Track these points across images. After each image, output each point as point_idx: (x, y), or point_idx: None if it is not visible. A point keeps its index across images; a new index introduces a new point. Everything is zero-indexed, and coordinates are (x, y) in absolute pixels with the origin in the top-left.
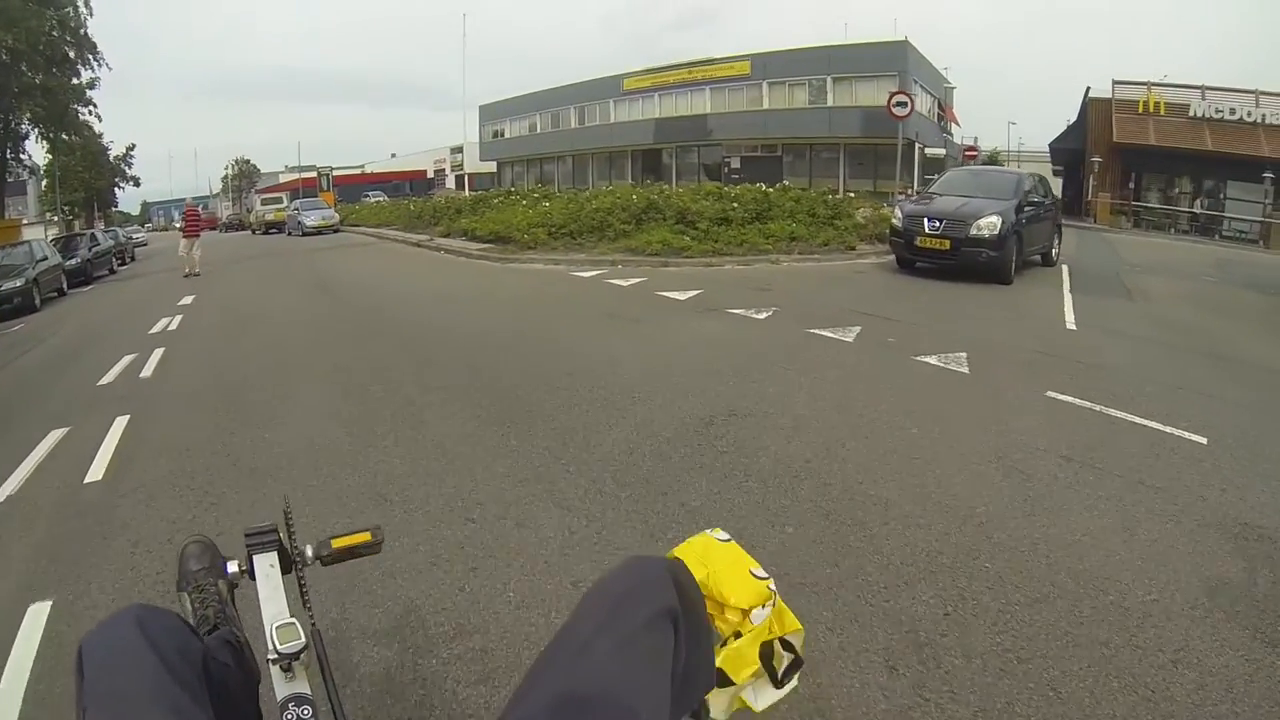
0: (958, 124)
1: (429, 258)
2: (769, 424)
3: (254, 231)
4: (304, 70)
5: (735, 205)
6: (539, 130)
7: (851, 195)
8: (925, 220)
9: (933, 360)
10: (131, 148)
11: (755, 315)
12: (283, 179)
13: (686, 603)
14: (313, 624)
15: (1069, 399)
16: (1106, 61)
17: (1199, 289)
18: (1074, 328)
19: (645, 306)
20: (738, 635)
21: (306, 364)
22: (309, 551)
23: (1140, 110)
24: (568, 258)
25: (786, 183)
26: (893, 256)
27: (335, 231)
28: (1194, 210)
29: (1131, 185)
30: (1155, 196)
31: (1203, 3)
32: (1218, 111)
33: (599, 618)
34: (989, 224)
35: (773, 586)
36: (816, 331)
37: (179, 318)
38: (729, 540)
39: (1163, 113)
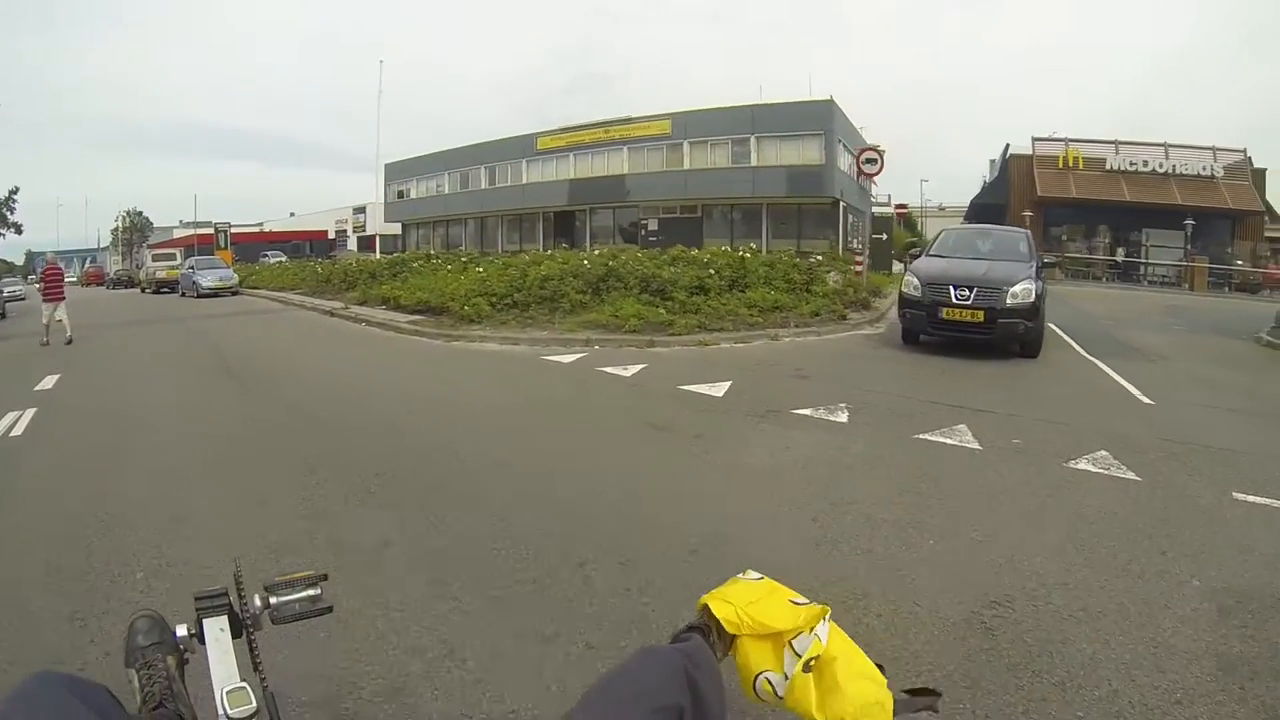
0: (875, 183)
1: (351, 331)
2: (1057, 615)
3: (144, 290)
4: (203, 124)
5: (712, 272)
6: (446, 191)
7: (819, 258)
8: (952, 289)
9: (1086, 465)
10: (14, 191)
11: (832, 418)
12: (177, 234)
13: (698, 692)
14: (265, 687)
15: (1264, 500)
16: (1003, 120)
17: (1188, 340)
18: (1149, 401)
19: (681, 409)
20: (807, 669)
21: (221, 537)
22: (259, 610)
23: (1060, 165)
24: (526, 335)
25: (734, 247)
26: (883, 327)
27: (234, 294)
28: (1115, 259)
29: (1062, 238)
30: (1076, 247)
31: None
32: (1132, 164)
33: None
34: (1024, 290)
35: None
36: (926, 437)
37: (28, 416)
38: (761, 578)
39: (1081, 167)
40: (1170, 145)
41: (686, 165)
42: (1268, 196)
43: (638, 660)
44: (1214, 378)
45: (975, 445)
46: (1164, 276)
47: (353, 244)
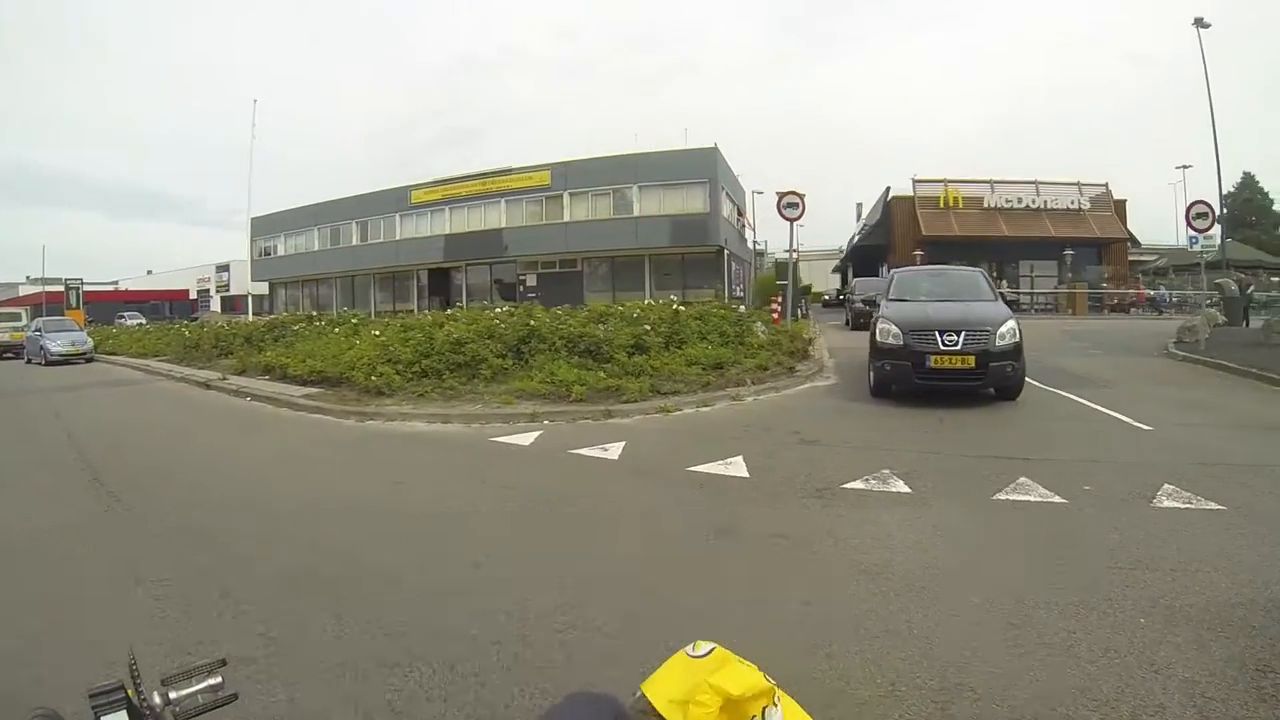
0: (753, 229)
1: (235, 408)
2: None
3: None
4: (43, 167)
5: (648, 328)
6: (315, 247)
7: (742, 308)
8: (938, 334)
9: (1172, 503)
10: None
11: (890, 488)
12: (23, 291)
13: None
14: None
15: None
16: (861, 169)
17: (1113, 362)
18: (1147, 427)
19: (721, 502)
20: None
21: None
22: (160, 707)
23: (941, 205)
24: (456, 410)
25: (615, 300)
26: (833, 377)
27: (88, 360)
28: (1002, 291)
29: None
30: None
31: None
32: (1008, 201)
33: None
34: (1010, 330)
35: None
36: (1004, 497)
37: None
38: (710, 651)
39: (961, 206)
40: (1040, 182)
41: (566, 217)
42: (1128, 225)
43: (570, 709)
44: (1173, 396)
45: (1057, 499)
46: (1045, 303)
47: (216, 304)
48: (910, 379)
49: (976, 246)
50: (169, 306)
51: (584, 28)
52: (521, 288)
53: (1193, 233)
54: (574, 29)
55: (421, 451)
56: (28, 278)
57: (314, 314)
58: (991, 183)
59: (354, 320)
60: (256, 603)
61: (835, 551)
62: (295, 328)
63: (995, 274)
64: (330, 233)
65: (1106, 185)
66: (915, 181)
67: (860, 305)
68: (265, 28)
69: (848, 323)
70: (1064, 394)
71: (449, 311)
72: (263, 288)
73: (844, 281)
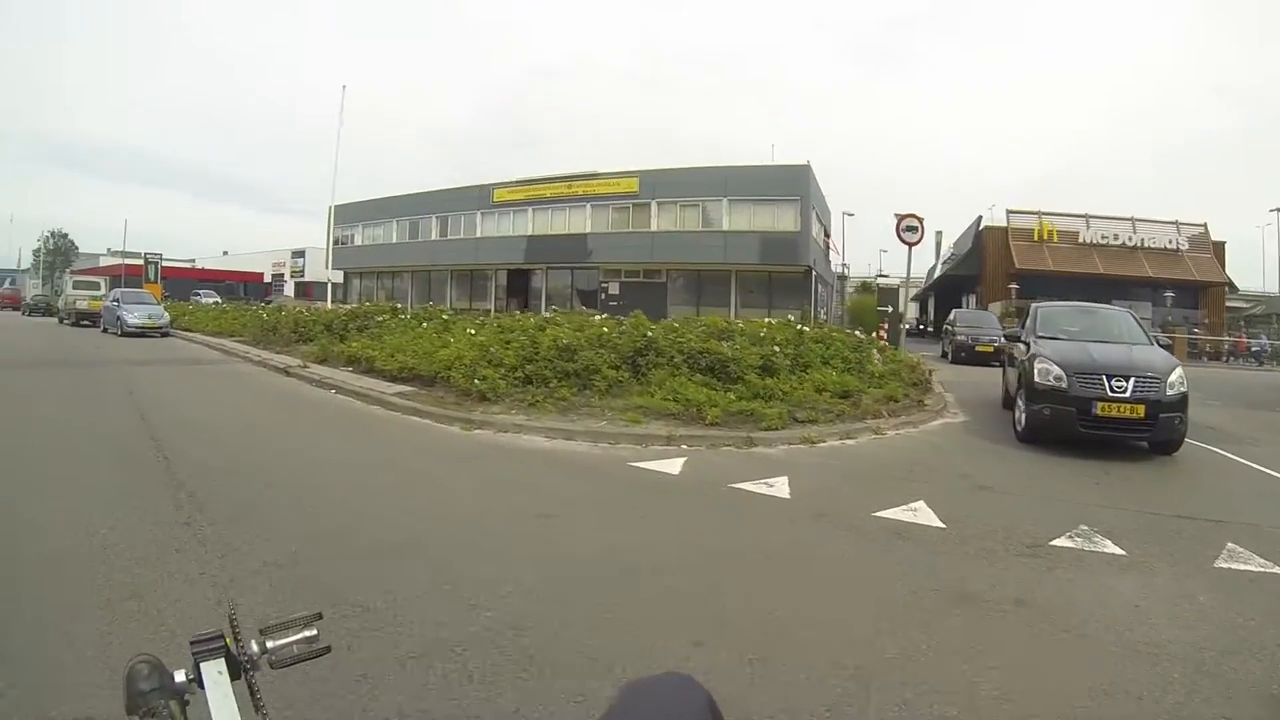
0: (838, 251)
1: (321, 401)
2: None
3: (62, 320)
4: (133, 148)
5: (776, 349)
6: (394, 239)
7: (857, 333)
8: (1106, 379)
9: None
10: None
11: (1102, 548)
12: (104, 263)
13: None
14: None
15: None
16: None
17: (1238, 416)
18: None
19: (931, 557)
20: None
21: None
22: (256, 655)
23: (1035, 238)
24: (576, 425)
25: (699, 314)
26: (962, 413)
27: (163, 335)
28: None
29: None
30: None
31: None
32: (1103, 237)
33: None
34: (1179, 380)
35: None
36: (1231, 566)
37: None
38: None
39: (1055, 240)
40: (1137, 219)
41: (654, 226)
42: (1227, 269)
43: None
44: None
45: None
46: None
47: (289, 289)
48: (1073, 427)
49: (1066, 283)
50: (243, 288)
51: (657, 43)
52: (603, 295)
53: None
54: (647, 45)
55: (554, 475)
56: (109, 249)
57: (397, 305)
58: (1087, 217)
59: (444, 316)
60: None
61: (1094, 626)
62: (379, 319)
63: None
64: (409, 226)
65: (1205, 226)
66: (1009, 213)
67: (963, 339)
68: (342, 19)
69: (945, 355)
70: (1214, 449)
71: (548, 314)
72: (338, 276)
73: (922, 311)
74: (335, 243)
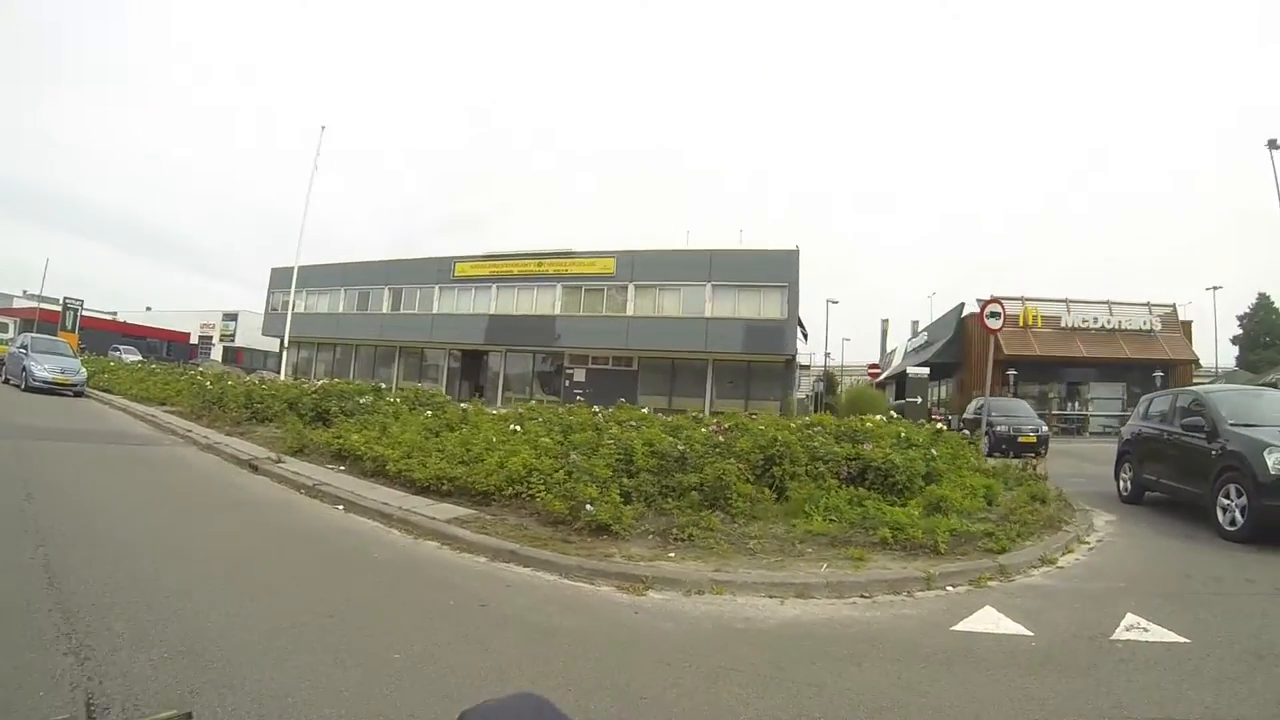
0: (805, 338)
1: (336, 528)
2: None
3: None
4: (55, 189)
5: (934, 453)
6: (340, 309)
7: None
8: None
9: None
10: None
11: None
12: (18, 304)
13: None
14: None
15: None
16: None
17: None
18: None
19: None
20: None
21: None
22: None
23: (1021, 324)
24: (778, 574)
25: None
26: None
27: (77, 394)
28: (1066, 412)
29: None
30: (1030, 403)
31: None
32: (1084, 321)
33: None
34: None
35: None
36: None
37: None
38: None
39: (1040, 325)
40: (1114, 302)
41: (630, 311)
42: (1193, 346)
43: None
44: None
45: None
46: (1107, 428)
47: (217, 353)
48: None
49: (1049, 366)
50: (167, 347)
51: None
52: (568, 382)
53: None
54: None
55: (877, 674)
56: (24, 292)
57: (381, 385)
58: (1067, 302)
59: (464, 406)
60: None
61: None
62: (362, 400)
63: (1065, 396)
64: (359, 296)
65: (1174, 306)
66: (980, 301)
67: (1003, 430)
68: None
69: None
70: None
71: (612, 409)
72: (271, 344)
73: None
74: (275, 309)
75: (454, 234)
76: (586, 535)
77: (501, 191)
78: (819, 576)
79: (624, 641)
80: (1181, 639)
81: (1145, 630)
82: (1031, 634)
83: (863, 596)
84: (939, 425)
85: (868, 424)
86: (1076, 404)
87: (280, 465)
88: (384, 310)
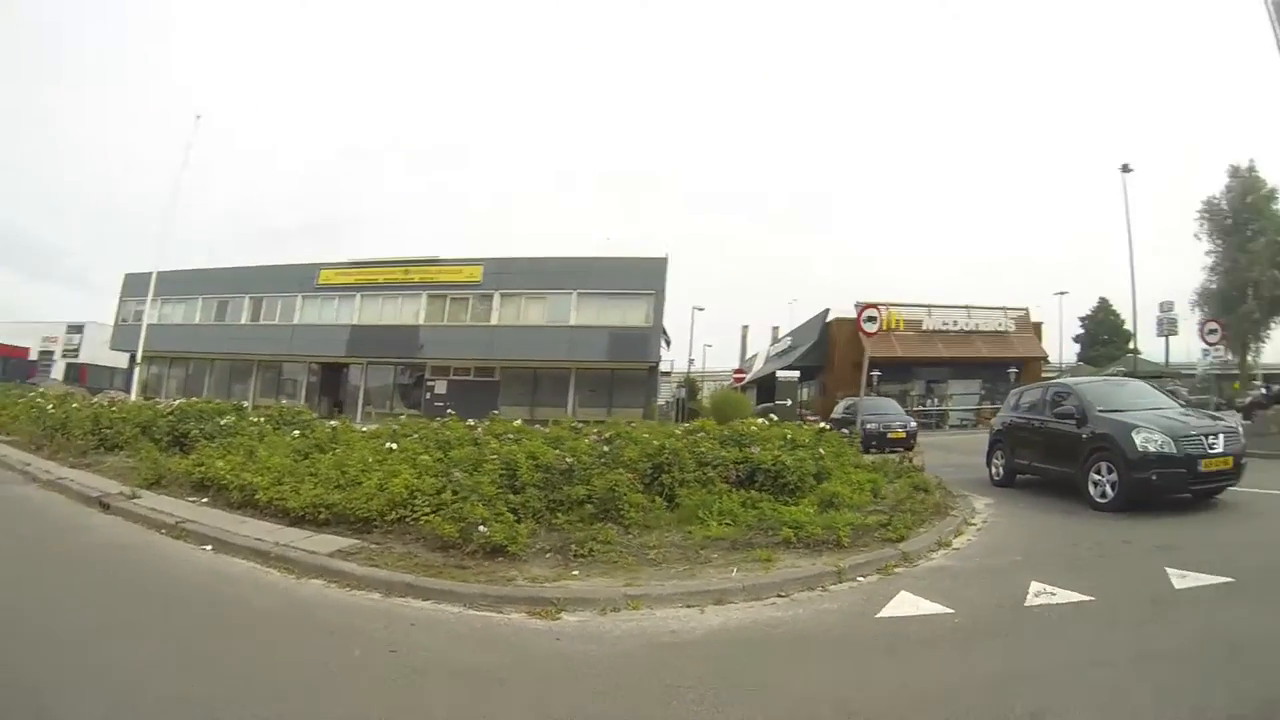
0: (668, 344)
1: (207, 578)
2: None
3: None
4: None
5: (821, 452)
6: (197, 320)
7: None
8: (1206, 437)
9: None
10: None
11: None
12: None
13: None
14: None
15: None
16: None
17: None
18: None
19: None
20: None
21: None
22: None
23: (884, 327)
24: (695, 583)
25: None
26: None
27: None
28: (926, 408)
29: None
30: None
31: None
32: (944, 324)
33: None
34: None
35: None
36: None
37: None
38: None
39: (902, 328)
40: (972, 306)
41: (494, 320)
42: (1044, 345)
43: None
44: None
45: None
46: (964, 420)
47: (58, 370)
48: (1184, 485)
49: (909, 367)
50: (2, 365)
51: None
52: (428, 394)
53: (1205, 346)
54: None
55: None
56: None
57: (243, 404)
58: (929, 307)
59: (330, 424)
60: None
61: None
62: (223, 421)
63: (925, 393)
64: (217, 306)
65: (1026, 310)
66: (858, 305)
67: (873, 428)
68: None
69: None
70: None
71: (486, 421)
72: (120, 359)
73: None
74: (126, 320)
75: (324, 237)
76: (481, 558)
77: (364, 202)
78: (732, 581)
79: (559, 674)
80: (1086, 597)
81: (1053, 594)
82: (952, 611)
83: (780, 596)
84: (822, 425)
85: (752, 427)
86: (935, 400)
87: (135, 501)
88: (243, 321)
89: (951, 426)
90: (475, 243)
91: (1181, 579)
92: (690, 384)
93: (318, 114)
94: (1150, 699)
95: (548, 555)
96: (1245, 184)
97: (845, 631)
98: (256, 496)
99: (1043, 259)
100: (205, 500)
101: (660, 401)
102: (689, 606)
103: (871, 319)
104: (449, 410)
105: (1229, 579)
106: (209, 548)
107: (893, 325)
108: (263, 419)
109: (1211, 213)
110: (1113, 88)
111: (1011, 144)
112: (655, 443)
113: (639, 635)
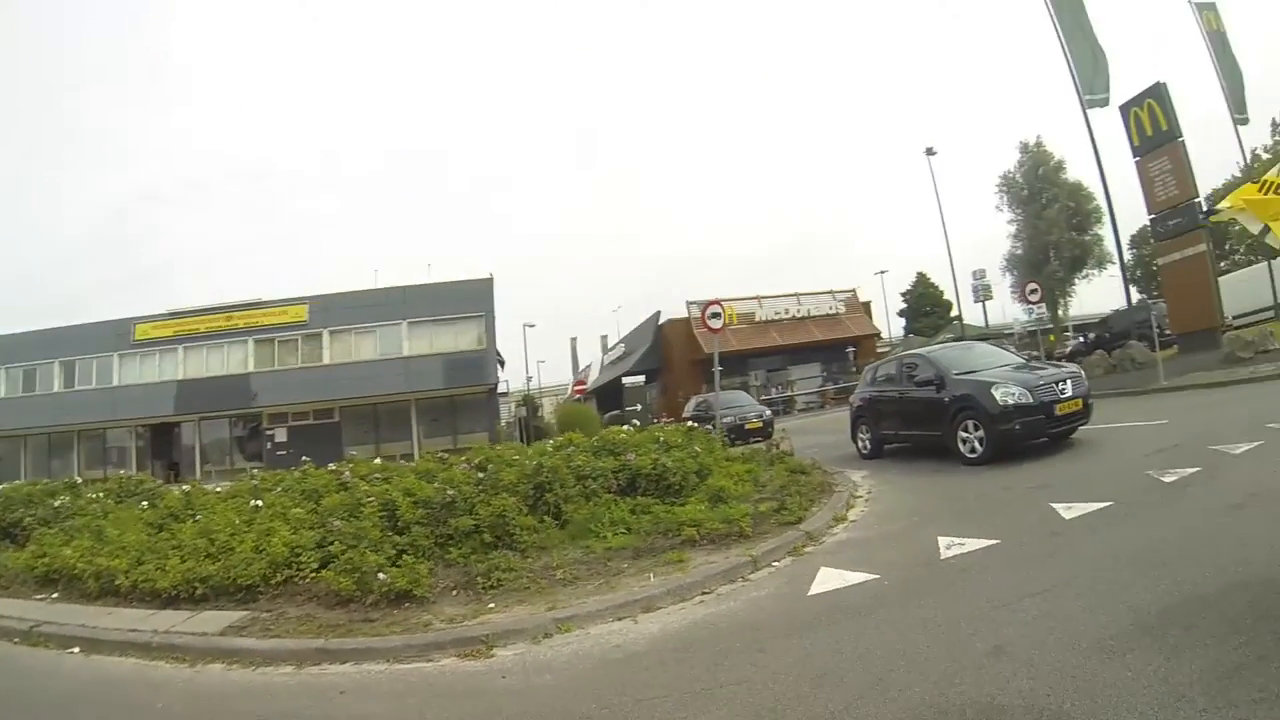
0: (501, 363)
1: (77, 684)
2: None
3: None
4: None
5: (699, 450)
6: (2, 394)
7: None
8: (1056, 384)
9: None
10: None
11: None
12: None
13: None
14: None
15: None
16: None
17: None
18: None
19: None
20: None
21: None
22: None
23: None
24: (612, 596)
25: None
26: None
27: None
28: (772, 396)
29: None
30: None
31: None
32: (776, 313)
33: None
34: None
35: None
36: None
37: None
38: None
39: (736, 322)
40: (801, 294)
41: (326, 359)
42: (875, 321)
43: None
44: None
45: None
46: (810, 403)
47: None
48: (1044, 428)
49: (748, 357)
50: None
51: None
52: (269, 444)
53: (1028, 304)
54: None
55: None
56: None
57: (77, 481)
58: (759, 298)
59: (183, 489)
60: None
61: None
62: (57, 503)
63: (766, 381)
64: (23, 375)
65: (854, 290)
66: (689, 304)
67: (731, 420)
68: None
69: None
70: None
71: (349, 465)
72: None
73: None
74: None
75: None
76: (386, 607)
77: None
78: (653, 587)
79: (529, 713)
80: (993, 541)
81: (962, 544)
82: (878, 576)
83: (704, 593)
84: (691, 424)
85: (621, 435)
86: (778, 388)
87: None
88: (56, 389)
89: (799, 410)
90: (299, 281)
91: (1068, 510)
92: (529, 402)
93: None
94: (1087, 611)
95: (454, 593)
96: (1035, 158)
97: (787, 613)
98: (117, 582)
99: (865, 240)
100: (55, 595)
101: (502, 423)
102: (620, 619)
103: (716, 315)
104: (304, 459)
105: (1107, 503)
106: (76, 650)
107: (727, 320)
108: (102, 494)
109: (1009, 185)
110: (921, 81)
111: (832, 139)
112: (532, 463)
113: (586, 656)
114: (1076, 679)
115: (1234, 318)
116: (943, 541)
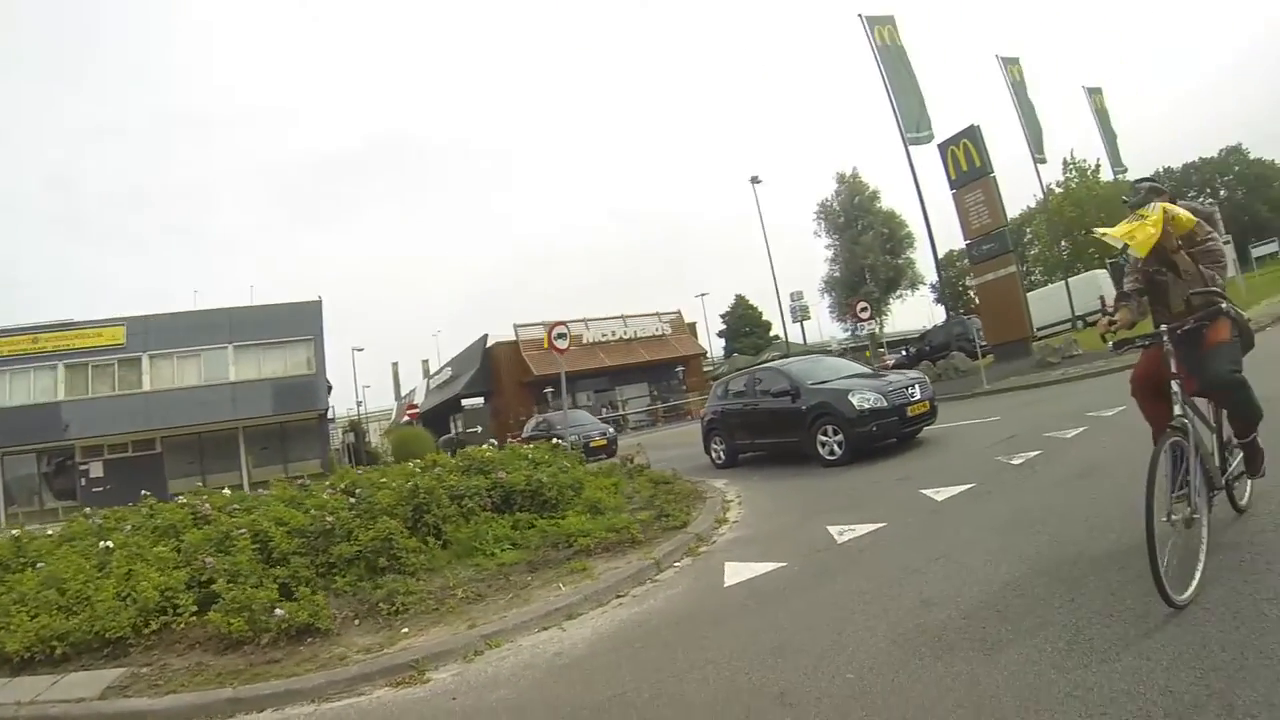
0: (329, 388)
1: None
2: None
3: None
4: None
5: (568, 465)
6: None
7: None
8: (906, 389)
9: None
10: None
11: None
12: None
13: None
14: None
15: None
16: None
17: None
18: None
19: None
20: None
21: None
22: None
23: (545, 345)
24: (523, 610)
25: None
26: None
27: None
28: (604, 415)
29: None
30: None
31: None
32: (604, 335)
33: None
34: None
35: None
36: None
37: None
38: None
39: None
40: (627, 315)
41: (146, 386)
42: (700, 341)
43: None
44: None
45: None
46: (641, 422)
47: None
48: (898, 429)
49: (579, 379)
50: None
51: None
52: (84, 480)
53: (859, 322)
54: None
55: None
56: None
57: None
58: (586, 321)
59: (12, 534)
60: None
61: None
62: None
63: (597, 403)
64: None
65: (679, 312)
66: (517, 327)
67: (575, 439)
68: None
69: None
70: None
71: (201, 499)
72: None
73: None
74: None
75: None
76: (287, 645)
77: None
78: (567, 596)
79: None
80: (880, 524)
81: (853, 529)
82: (785, 563)
83: (619, 596)
84: (556, 442)
85: (487, 453)
86: (608, 407)
87: None
88: None
89: (631, 429)
90: (120, 304)
91: (937, 494)
92: (355, 427)
93: None
94: (988, 565)
95: (357, 622)
96: (851, 187)
97: (712, 604)
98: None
99: (692, 264)
100: None
101: (333, 449)
102: (545, 629)
103: (561, 335)
104: (144, 493)
105: (970, 485)
106: None
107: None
108: None
109: (826, 213)
110: (748, 119)
111: (665, 173)
112: (407, 484)
113: (531, 666)
114: (1000, 611)
115: (1039, 329)
116: (833, 529)
